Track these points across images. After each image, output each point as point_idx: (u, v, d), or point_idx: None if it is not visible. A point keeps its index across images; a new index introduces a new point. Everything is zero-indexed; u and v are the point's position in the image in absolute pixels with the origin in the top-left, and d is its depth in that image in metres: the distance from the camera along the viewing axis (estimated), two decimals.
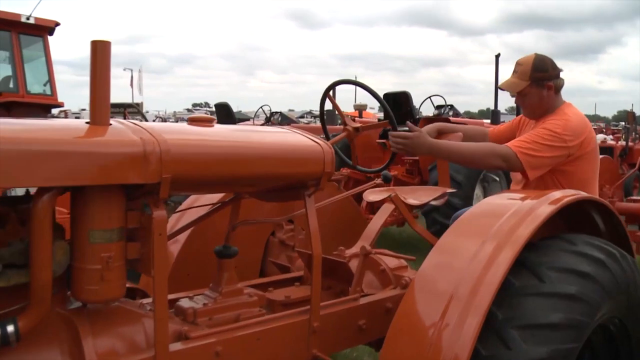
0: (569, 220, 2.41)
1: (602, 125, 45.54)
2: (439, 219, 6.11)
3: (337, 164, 2.16)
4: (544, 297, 1.88)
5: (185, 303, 2.14)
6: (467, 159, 2.88)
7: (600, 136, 23.10)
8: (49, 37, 9.33)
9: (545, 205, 2.10)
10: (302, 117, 38.82)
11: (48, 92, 9.30)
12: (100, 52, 1.68)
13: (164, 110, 60.58)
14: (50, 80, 9.27)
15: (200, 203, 2.76)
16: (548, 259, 2.01)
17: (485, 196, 6.95)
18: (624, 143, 15.61)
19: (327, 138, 3.06)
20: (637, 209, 5.96)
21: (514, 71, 3.03)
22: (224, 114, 10.21)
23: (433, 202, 3.06)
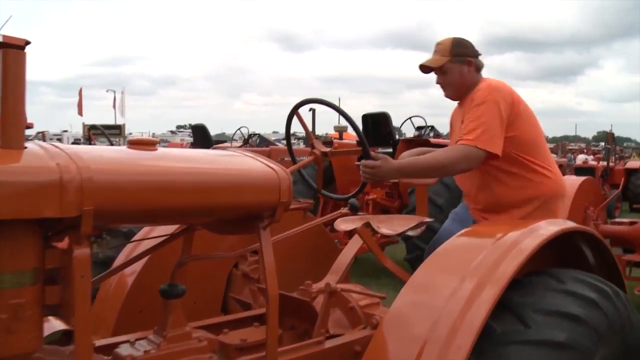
0: (553, 249, 2.19)
1: (583, 145, 46.05)
2: (419, 244, 5.87)
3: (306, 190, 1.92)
4: (530, 346, 1.64)
5: (124, 350, 1.88)
6: (436, 169, 2.86)
7: (582, 157, 23.30)
8: None
9: (530, 237, 1.87)
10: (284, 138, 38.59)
11: None
12: (12, 62, 1.44)
13: (147, 132, 60.23)
14: None
15: (157, 233, 2.51)
16: (534, 300, 1.78)
17: None
18: (604, 164, 15.62)
19: (294, 162, 2.83)
20: (622, 232, 5.79)
21: (435, 51, 3.04)
22: (201, 135, 9.97)
23: (410, 232, 2.84)
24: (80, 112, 28.88)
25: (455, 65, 2.98)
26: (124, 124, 35.23)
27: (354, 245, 2.69)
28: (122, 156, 1.69)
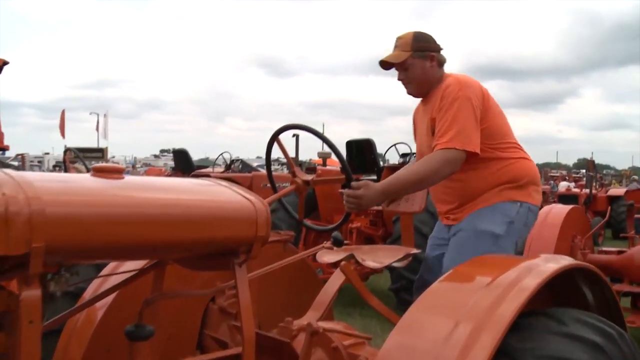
0: (547, 286, 2.04)
1: (564, 172, 46.30)
2: (404, 273, 5.70)
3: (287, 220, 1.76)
4: None
5: None
6: (420, 182, 2.75)
7: (564, 184, 23.40)
8: None
9: (529, 276, 1.72)
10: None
11: None
12: None
13: (130, 155, 59.69)
14: None
15: (126, 266, 2.34)
16: (534, 345, 1.62)
17: None
18: (587, 191, 15.64)
19: (274, 190, 2.68)
20: (610, 261, 5.68)
21: (395, 46, 2.92)
22: (182, 160, 9.79)
23: (395, 264, 2.69)
24: (62, 135, 28.58)
25: (417, 60, 2.86)
26: (106, 147, 34.96)
27: (337, 280, 2.53)
28: (81, 185, 1.53)
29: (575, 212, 5.95)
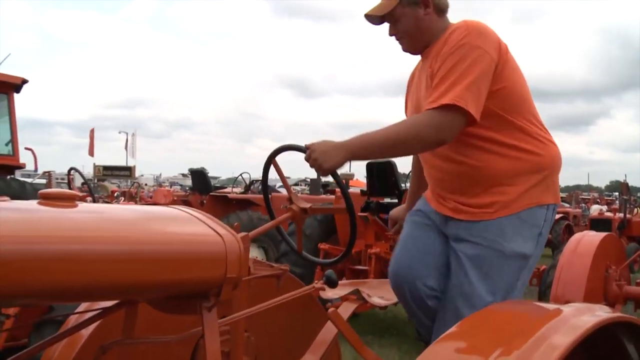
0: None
1: (596, 195, 45.34)
2: None
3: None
4: None
5: None
6: (394, 144, 2.15)
7: (597, 207, 22.73)
8: (16, 95, 8.81)
9: (559, 333, 1.41)
10: (296, 184, 38.30)
11: (10, 152, 8.70)
12: None
13: (158, 173, 60.21)
14: (13, 140, 8.68)
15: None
16: None
17: None
18: (621, 215, 15.07)
19: (272, 217, 2.41)
20: None
21: None
22: (200, 180, 9.62)
23: None
24: (91, 153, 28.93)
25: (408, 9, 2.32)
26: (134, 166, 35.35)
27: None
28: (21, 216, 1.29)
29: (609, 239, 5.55)
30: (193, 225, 1.44)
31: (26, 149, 11.31)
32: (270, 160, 2.30)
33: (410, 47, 2.44)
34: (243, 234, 1.82)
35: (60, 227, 1.29)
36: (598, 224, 14.20)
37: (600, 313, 1.56)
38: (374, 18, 2.38)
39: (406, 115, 2.61)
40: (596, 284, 5.10)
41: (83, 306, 2.23)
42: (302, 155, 2.15)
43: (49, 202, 1.37)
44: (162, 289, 1.39)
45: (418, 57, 2.52)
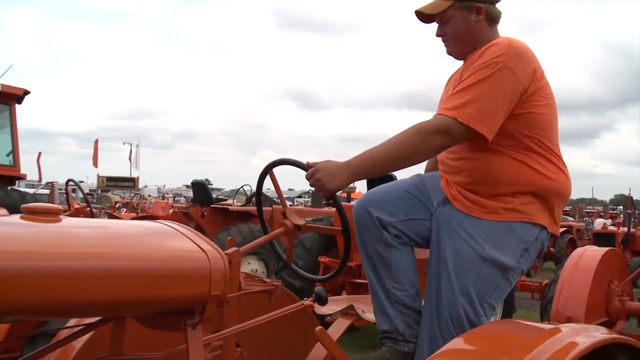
0: None
1: (600, 208, 45.21)
2: None
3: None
4: None
5: None
6: (398, 156, 2.12)
7: (600, 221, 22.66)
8: (18, 106, 8.84)
9: (554, 353, 1.38)
10: (300, 196, 38.30)
11: (11, 163, 8.71)
12: None
13: (162, 185, 60.15)
14: (14, 151, 8.70)
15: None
16: None
17: None
18: (625, 229, 14.97)
19: (265, 231, 2.38)
20: None
21: None
22: (201, 192, 9.59)
23: None
24: (95, 164, 29.01)
25: (459, 12, 2.28)
26: (137, 177, 35.41)
27: (333, 334, 2.21)
28: (2, 231, 1.27)
29: (612, 254, 5.49)
30: (177, 241, 1.41)
31: (38, 156, 11.32)
32: (266, 172, 2.27)
33: (455, 50, 2.40)
34: (233, 249, 1.79)
35: (42, 243, 1.26)
36: (601, 238, 14.10)
37: (596, 334, 1.53)
38: (423, 16, 2.35)
39: None
40: (598, 300, 5.03)
41: (75, 320, 2.20)
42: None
43: (32, 216, 1.35)
44: (144, 306, 1.36)
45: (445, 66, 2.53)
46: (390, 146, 2.11)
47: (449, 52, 2.42)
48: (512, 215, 2.20)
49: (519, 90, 2.12)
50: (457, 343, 1.58)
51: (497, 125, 2.10)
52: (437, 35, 2.39)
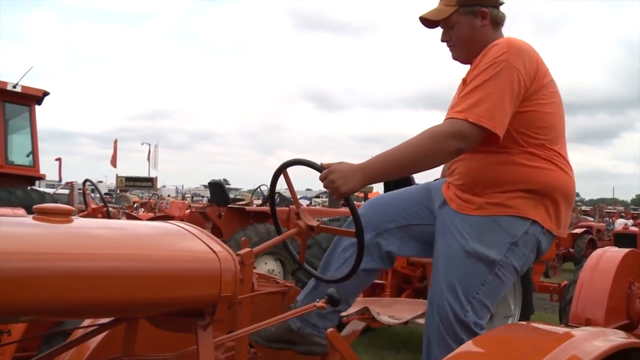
0: None
1: (621, 209, 44.64)
2: None
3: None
4: None
5: None
6: (414, 160, 2.10)
7: (621, 221, 22.35)
8: (38, 107, 8.96)
9: (571, 357, 1.35)
10: (317, 196, 38.33)
11: (30, 163, 8.83)
12: None
13: (180, 185, 60.57)
14: (34, 152, 8.81)
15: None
16: None
17: None
18: None
19: (278, 231, 2.37)
20: None
21: None
22: (218, 192, 9.61)
23: (418, 320, 2.34)
24: (113, 164, 29.26)
25: (464, 17, 2.28)
26: (156, 177, 35.66)
27: (347, 335, 2.20)
28: (14, 231, 1.28)
29: (633, 255, 5.40)
30: (188, 242, 1.41)
31: (56, 159, 11.47)
32: (280, 173, 2.26)
33: (461, 55, 2.39)
34: (246, 250, 1.78)
35: (53, 243, 1.27)
36: (622, 238, 13.94)
37: (614, 338, 1.50)
38: (428, 21, 2.36)
39: None
40: (618, 302, 4.95)
41: (89, 320, 2.22)
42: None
43: (44, 217, 1.35)
44: (155, 307, 1.36)
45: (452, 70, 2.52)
46: (405, 150, 2.10)
47: (455, 57, 2.41)
48: (498, 209, 2.18)
49: (523, 87, 2.12)
50: (469, 346, 1.56)
51: (507, 122, 2.09)
52: (442, 41, 2.39)
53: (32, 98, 8.78)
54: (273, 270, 7.40)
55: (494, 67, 2.09)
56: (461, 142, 2.06)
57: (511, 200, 2.17)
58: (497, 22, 2.33)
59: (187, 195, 44.60)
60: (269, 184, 2.37)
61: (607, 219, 27.00)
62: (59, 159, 11.73)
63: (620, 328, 4.34)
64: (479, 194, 2.22)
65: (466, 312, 2.10)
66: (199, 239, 1.42)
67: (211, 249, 1.39)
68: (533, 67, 2.15)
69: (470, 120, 2.03)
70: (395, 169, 2.12)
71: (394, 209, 2.40)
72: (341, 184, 2.05)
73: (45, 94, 8.87)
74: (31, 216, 1.38)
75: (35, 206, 1.39)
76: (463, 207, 2.24)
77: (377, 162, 2.13)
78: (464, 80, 2.26)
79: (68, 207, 1.40)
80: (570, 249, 14.55)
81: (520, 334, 1.65)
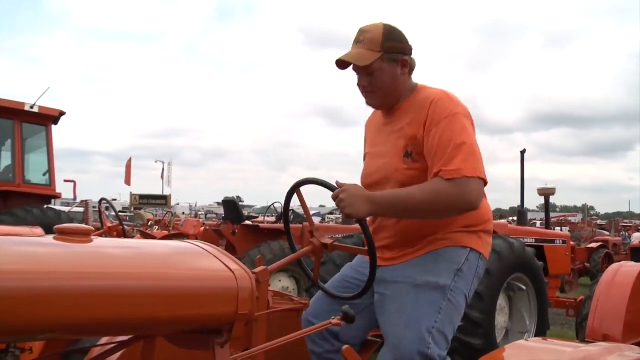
0: None
1: (638, 222, 44.05)
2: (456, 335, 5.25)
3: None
4: None
5: None
6: (428, 210, 2.12)
7: (638, 235, 22.04)
8: (54, 126, 9.09)
9: None
10: (331, 213, 38.31)
11: (47, 182, 8.94)
12: None
13: (193, 203, 60.78)
14: (50, 171, 8.93)
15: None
16: None
17: (510, 308, 6.09)
18: None
19: (293, 250, 2.39)
20: None
21: (358, 41, 2.27)
22: (232, 210, 9.64)
23: None
24: (127, 182, 29.47)
25: (387, 64, 2.24)
26: (170, 195, 35.85)
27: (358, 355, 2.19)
28: (34, 251, 1.31)
29: None
30: (205, 261, 1.43)
31: (66, 181, 11.60)
32: (294, 191, 2.29)
33: (377, 102, 2.37)
34: (262, 268, 1.81)
35: (74, 263, 1.30)
36: (639, 252, 13.78)
37: (630, 354, 1.50)
38: (343, 63, 2.29)
39: (365, 162, 2.54)
40: (636, 317, 4.89)
41: (107, 337, 2.24)
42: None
43: (65, 237, 1.38)
44: (173, 325, 1.39)
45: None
46: (421, 197, 2.10)
47: (370, 103, 2.39)
48: (436, 244, 2.24)
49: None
50: None
51: None
52: (360, 85, 2.33)
53: (49, 118, 8.92)
54: (287, 287, 7.40)
55: (456, 119, 2.15)
56: (474, 200, 2.10)
57: (448, 234, 2.24)
58: (412, 69, 2.35)
59: (199, 213, 44.71)
60: (282, 201, 2.39)
61: (624, 233, 26.71)
62: (73, 182, 11.87)
63: (639, 344, 4.30)
64: (412, 245, 2.28)
65: (428, 344, 2.05)
66: (216, 257, 1.45)
67: (228, 267, 1.42)
68: (469, 112, 2.26)
69: (469, 175, 2.07)
70: (407, 212, 2.15)
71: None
72: (349, 204, 2.07)
73: (62, 113, 9.00)
74: (52, 236, 1.41)
75: (56, 227, 1.43)
76: (399, 258, 2.29)
77: (390, 198, 2.14)
78: (411, 137, 2.24)
79: (88, 227, 1.43)
80: (586, 264, 14.41)
81: (535, 350, 1.65)
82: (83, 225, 1.42)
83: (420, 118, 2.21)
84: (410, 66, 2.33)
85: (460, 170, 2.07)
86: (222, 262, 1.44)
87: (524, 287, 6.03)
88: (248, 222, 9.22)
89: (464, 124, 2.15)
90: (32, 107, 8.60)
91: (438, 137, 2.14)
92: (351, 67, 2.29)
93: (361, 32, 2.28)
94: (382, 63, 2.24)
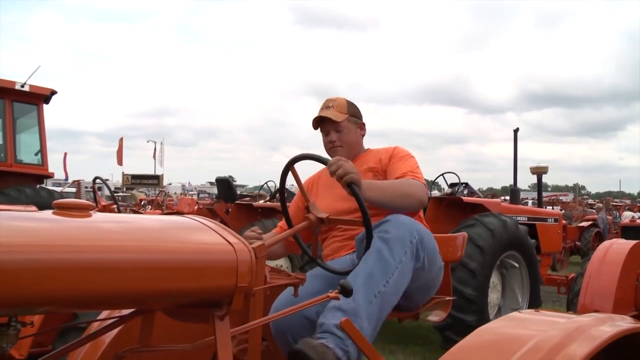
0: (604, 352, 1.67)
1: (628, 202, 44.31)
2: (451, 312, 5.31)
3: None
4: None
5: None
6: (400, 197, 2.43)
7: (628, 214, 22.24)
8: (45, 105, 9.01)
9: (576, 342, 1.38)
10: None
11: (39, 162, 8.89)
12: None
13: (185, 182, 60.64)
14: (42, 150, 8.87)
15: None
16: None
17: (503, 285, 6.16)
18: None
19: (290, 225, 2.41)
20: None
21: (327, 107, 2.80)
22: (225, 189, 9.66)
23: (432, 318, 2.38)
24: (119, 162, 29.37)
25: (352, 125, 2.80)
26: (162, 174, 35.77)
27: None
28: (34, 225, 1.31)
29: (639, 247, 5.42)
30: (204, 234, 1.44)
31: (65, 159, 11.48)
32: (289, 168, 2.30)
33: (343, 156, 2.53)
34: (258, 242, 1.81)
35: (74, 236, 1.30)
36: (629, 231, 13.87)
37: (621, 323, 1.52)
38: (319, 122, 2.78)
39: (318, 204, 2.56)
40: (626, 293, 4.97)
41: (105, 313, 2.26)
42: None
43: (64, 212, 1.38)
44: (173, 298, 1.40)
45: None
46: (395, 185, 2.48)
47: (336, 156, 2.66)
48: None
49: None
50: (476, 334, 1.59)
51: None
52: (329, 140, 2.79)
53: (40, 97, 8.84)
54: (281, 265, 7.44)
55: (402, 153, 2.73)
56: (424, 201, 2.50)
57: None
58: (363, 134, 2.89)
59: (191, 193, 44.64)
60: (275, 179, 2.41)
61: (615, 212, 26.91)
62: (64, 155, 11.82)
63: None
64: None
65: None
66: (215, 231, 1.46)
67: (227, 240, 1.43)
68: None
69: (422, 182, 2.55)
70: (384, 195, 2.38)
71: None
72: (350, 170, 2.15)
73: (53, 92, 8.92)
74: (51, 211, 1.41)
75: (54, 202, 1.42)
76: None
77: (369, 181, 2.35)
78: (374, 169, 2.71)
79: (87, 202, 1.44)
80: (577, 242, 14.53)
81: (528, 320, 1.68)
82: (82, 201, 1.42)
83: (383, 158, 2.72)
84: (364, 131, 2.88)
85: (420, 178, 2.58)
86: (220, 235, 1.45)
87: (517, 265, 6.09)
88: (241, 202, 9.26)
89: (409, 156, 2.72)
90: (22, 86, 8.51)
91: (402, 162, 2.65)
92: (319, 129, 2.82)
93: (329, 100, 2.83)
94: (348, 123, 2.78)
